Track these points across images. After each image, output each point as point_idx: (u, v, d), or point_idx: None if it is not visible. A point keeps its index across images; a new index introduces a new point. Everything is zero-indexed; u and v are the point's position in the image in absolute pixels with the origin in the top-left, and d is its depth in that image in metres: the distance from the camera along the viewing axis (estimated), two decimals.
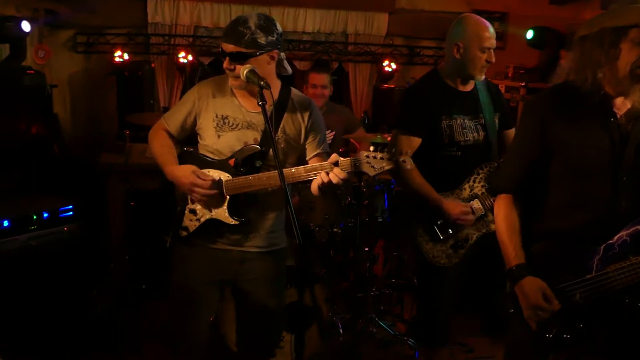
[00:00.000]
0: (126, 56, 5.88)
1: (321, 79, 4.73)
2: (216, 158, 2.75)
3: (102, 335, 4.12)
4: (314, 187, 2.65)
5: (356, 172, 2.51)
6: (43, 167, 4.63)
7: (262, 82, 2.43)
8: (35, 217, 3.80)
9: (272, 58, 2.67)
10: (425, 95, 3.20)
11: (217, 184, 2.69)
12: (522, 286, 2.23)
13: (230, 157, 2.71)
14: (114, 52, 5.87)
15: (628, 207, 2.18)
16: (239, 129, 2.73)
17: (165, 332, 3.04)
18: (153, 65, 6.10)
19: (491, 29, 3.12)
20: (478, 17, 3.17)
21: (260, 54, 2.60)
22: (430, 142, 3.17)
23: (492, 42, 3.11)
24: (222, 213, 2.72)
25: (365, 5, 6.44)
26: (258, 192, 2.72)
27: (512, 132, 3.38)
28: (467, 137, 3.17)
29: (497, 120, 3.32)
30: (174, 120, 2.82)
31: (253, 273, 2.85)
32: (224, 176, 2.70)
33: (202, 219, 2.76)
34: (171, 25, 6.07)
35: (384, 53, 6.60)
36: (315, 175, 2.53)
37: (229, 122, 2.73)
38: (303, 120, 2.79)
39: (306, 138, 2.81)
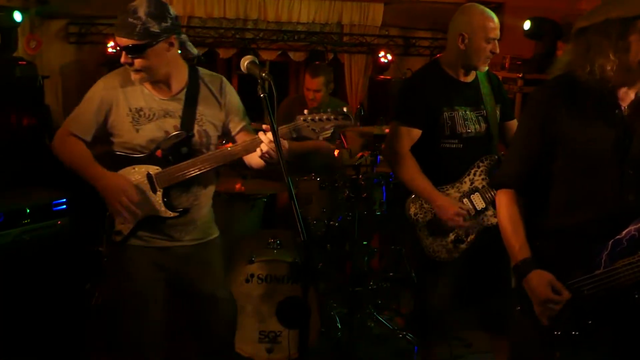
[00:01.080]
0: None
1: (314, 84, 4.57)
2: (138, 154, 2.66)
3: (95, 330, 4.05)
4: (256, 161, 2.61)
5: (298, 137, 2.50)
6: (34, 159, 4.57)
7: (263, 74, 2.35)
8: (28, 210, 3.76)
9: (171, 44, 2.58)
10: (426, 86, 3.15)
11: (147, 178, 2.62)
12: (529, 281, 2.18)
13: (156, 149, 2.63)
14: (107, 43, 5.82)
15: (635, 201, 2.14)
16: (156, 119, 2.65)
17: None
18: None
19: (496, 19, 3.08)
20: (483, 7, 3.11)
21: (157, 43, 2.51)
22: (431, 134, 3.12)
23: (497, 33, 3.06)
24: (157, 208, 2.65)
25: None
26: (190, 181, 2.66)
27: (513, 123, 3.34)
28: (468, 129, 3.12)
29: (498, 112, 3.27)
30: (81, 122, 2.70)
31: (197, 266, 2.82)
32: (152, 169, 2.62)
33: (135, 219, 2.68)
34: None
35: (379, 44, 6.56)
36: (254, 148, 2.50)
37: (145, 114, 2.64)
38: (217, 98, 2.74)
39: (226, 115, 2.76)
